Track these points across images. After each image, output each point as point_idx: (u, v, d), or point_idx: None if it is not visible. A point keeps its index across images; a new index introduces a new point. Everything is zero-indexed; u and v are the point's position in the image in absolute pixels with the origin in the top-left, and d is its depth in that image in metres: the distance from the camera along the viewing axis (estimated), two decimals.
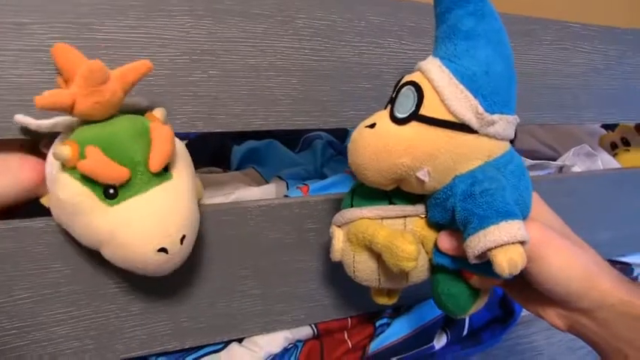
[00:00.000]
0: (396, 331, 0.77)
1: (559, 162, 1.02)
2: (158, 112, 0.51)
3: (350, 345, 0.75)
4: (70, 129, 0.47)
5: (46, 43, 0.49)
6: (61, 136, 0.49)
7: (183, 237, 0.46)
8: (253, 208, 0.62)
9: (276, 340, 0.71)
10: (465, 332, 0.82)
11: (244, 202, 0.63)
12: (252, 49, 0.58)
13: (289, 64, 0.60)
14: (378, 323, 0.77)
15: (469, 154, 0.44)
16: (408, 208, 0.50)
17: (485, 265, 0.41)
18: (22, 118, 0.47)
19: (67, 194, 0.45)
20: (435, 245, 0.49)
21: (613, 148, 1.13)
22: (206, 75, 0.56)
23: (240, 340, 0.71)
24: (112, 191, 0.44)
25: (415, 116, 0.43)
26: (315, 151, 0.96)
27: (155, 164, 0.45)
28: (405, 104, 0.44)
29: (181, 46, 0.54)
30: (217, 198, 0.73)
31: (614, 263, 1.02)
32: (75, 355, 0.59)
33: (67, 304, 0.57)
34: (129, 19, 0.52)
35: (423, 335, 0.79)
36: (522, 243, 0.40)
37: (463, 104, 0.42)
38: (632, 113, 0.89)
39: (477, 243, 0.40)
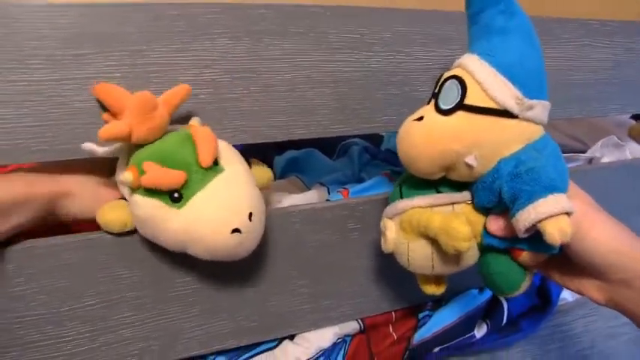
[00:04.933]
0: (438, 321, 0.78)
1: (588, 154, 1.01)
2: (194, 121, 0.54)
3: (395, 337, 0.75)
4: (128, 152, 0.51)
5: (104, 71, 0.51)
6: (120, 160, 0.52)
7: (250, 214, 0.48)
8: (297, 212, 0.63)
9: (326, 336, 0.72)
10: (505, 321, 0.82)
11: (288, 208, 0.65)
12: (288, 65, 0.59)
13: (323, 76, 0.61)
14: (420, 315, 0.78)
15: (511, 138, 0.46)
16: (456, 196, 0.51)
17: (534, 239, 0.43)
18: (89, 146, 0.49)
19: (142, 211, 0.48)
20: (484, 228, 0.50)
21: None
22: (247, 91, 0.57)
23: (292, 337, 0.72)
24: (176, 195, 0.47)
25: (460, 106, 0.45)
26: (352, 157, 0.96)
27: (204, 160, 0.47)
28: (449, 96, 0.46)
29: (223, 65, 0.56)
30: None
31: None
32: (140, 355, 0.61)
33: (133, 308, 0.59)
34: (175, 44, 0.53)
35: (464, 325, 0.79)
36: (568, 214, 0.41)
37: (504, 92, 0.44)
38: None
39: (528, 216, 0.42)
